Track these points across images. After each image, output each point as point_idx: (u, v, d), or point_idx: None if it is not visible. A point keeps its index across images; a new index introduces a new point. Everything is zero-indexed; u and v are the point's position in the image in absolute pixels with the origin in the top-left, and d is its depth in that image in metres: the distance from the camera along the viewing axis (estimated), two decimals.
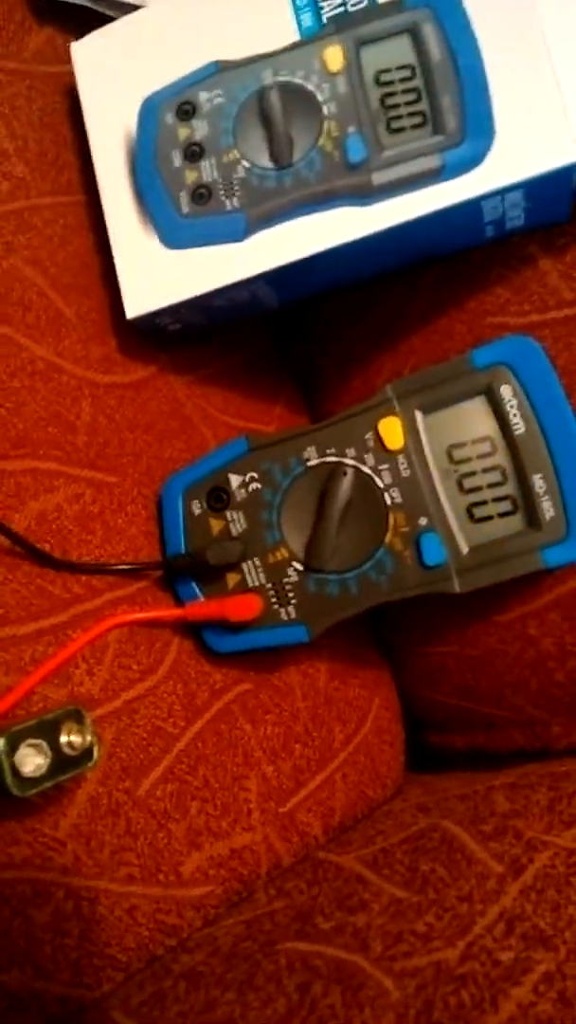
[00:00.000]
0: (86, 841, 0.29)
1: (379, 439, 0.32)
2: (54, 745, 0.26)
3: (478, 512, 0.32)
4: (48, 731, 0.26)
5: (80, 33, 0.37)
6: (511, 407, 0.32)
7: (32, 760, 0.25)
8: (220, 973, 0.26)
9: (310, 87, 0.32)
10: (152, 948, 0.30)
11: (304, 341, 0.44)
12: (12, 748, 0.25)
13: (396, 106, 0.31)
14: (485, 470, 0.32)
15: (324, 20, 0.33)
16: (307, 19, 0.33)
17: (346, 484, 0.32)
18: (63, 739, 0.26)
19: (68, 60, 0.37)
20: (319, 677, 0.38)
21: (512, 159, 0.30)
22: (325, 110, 0.32)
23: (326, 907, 0.28)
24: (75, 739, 0.27)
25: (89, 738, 0.27)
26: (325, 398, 0.42)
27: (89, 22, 0.37)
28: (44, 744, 0.26)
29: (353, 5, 0.32)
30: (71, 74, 0.37)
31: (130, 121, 0.34)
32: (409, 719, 0.43)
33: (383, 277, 0.38)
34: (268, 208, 0.32)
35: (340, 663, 0.39)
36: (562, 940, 0.24)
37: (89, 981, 0.28)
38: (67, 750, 0.26)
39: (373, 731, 0.40)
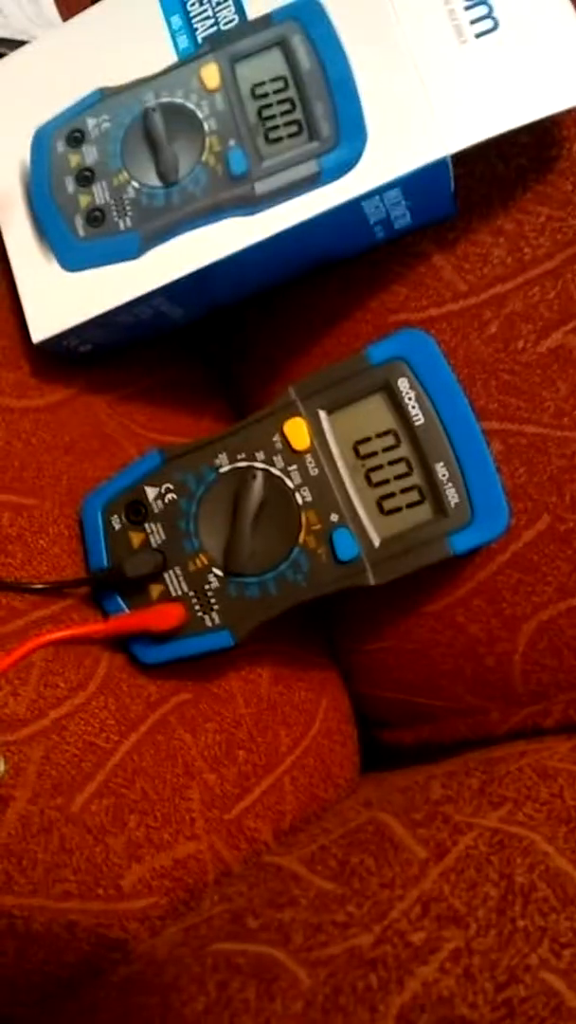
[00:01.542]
0: (17, 860, 0.29)
1: (286, 441, 0.33)
2: None
3: (387, 504, 0.33)
4: None
5: None
6: (409, 399, 0.32)
7: None
8: (149, 978, 0.26)
9: (191, 106, 0.33)
10: (95, 962, 0.30)
11: (224, 350, 0.44)
12: None
13: (272, 117, 0.32)
14: (391, 463, 0.33)
15: (199, 40, 0.34)
16: (183, 41, 0.34)
17: (257, 487, 0.33)
18: None
19: None
20: (261, 683, 0.38)
21: (385, 159, 0.31)
22: (206, 126, 0.33)
23: (258, 907, 0.28)
24: None
25: None
26: (248, 405, 0.43)
27: None
28: None
29: (225, 24, 0.33)
30: None
31: (24, 152, 0.35)
32: (362, 718, 0.43)
33: (291, 283, 0.38)
34: (159, 225, 0.33)
35: (283, 667, 0.40)
36: (474, 918, 0.24)
37: (25, 999, 0.28)
38: None
39: (322, 733, 0.40)
